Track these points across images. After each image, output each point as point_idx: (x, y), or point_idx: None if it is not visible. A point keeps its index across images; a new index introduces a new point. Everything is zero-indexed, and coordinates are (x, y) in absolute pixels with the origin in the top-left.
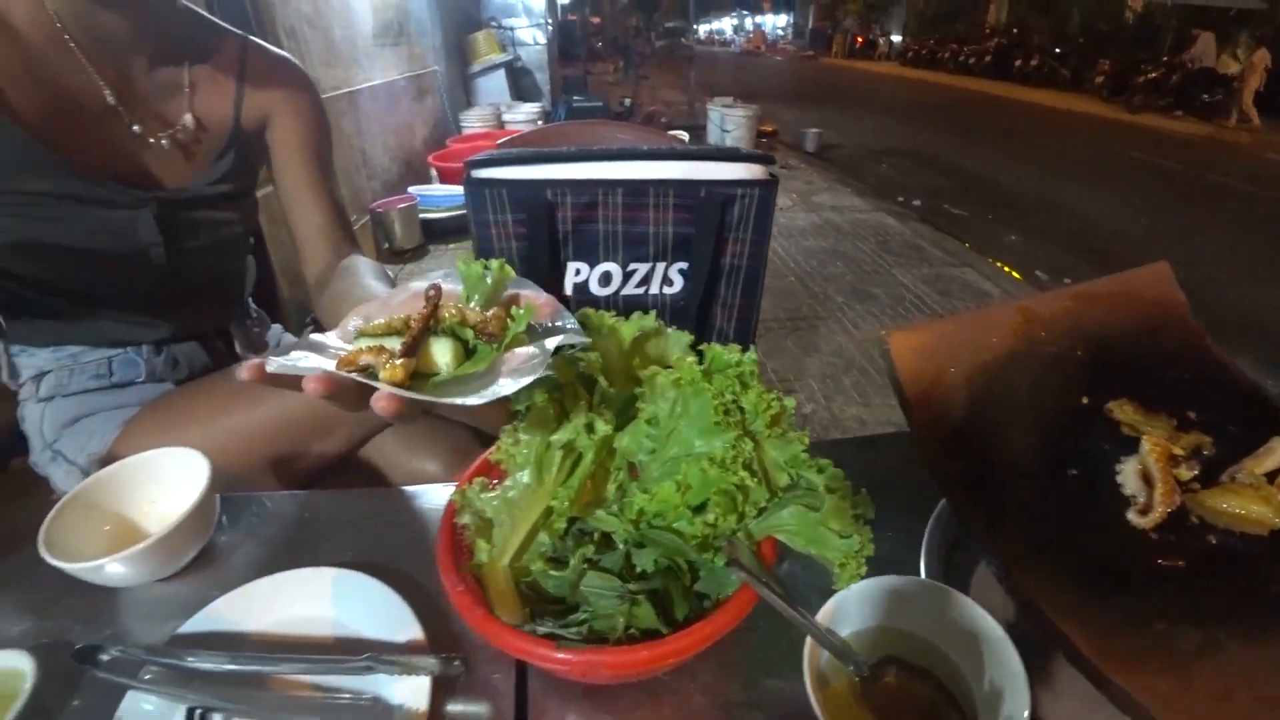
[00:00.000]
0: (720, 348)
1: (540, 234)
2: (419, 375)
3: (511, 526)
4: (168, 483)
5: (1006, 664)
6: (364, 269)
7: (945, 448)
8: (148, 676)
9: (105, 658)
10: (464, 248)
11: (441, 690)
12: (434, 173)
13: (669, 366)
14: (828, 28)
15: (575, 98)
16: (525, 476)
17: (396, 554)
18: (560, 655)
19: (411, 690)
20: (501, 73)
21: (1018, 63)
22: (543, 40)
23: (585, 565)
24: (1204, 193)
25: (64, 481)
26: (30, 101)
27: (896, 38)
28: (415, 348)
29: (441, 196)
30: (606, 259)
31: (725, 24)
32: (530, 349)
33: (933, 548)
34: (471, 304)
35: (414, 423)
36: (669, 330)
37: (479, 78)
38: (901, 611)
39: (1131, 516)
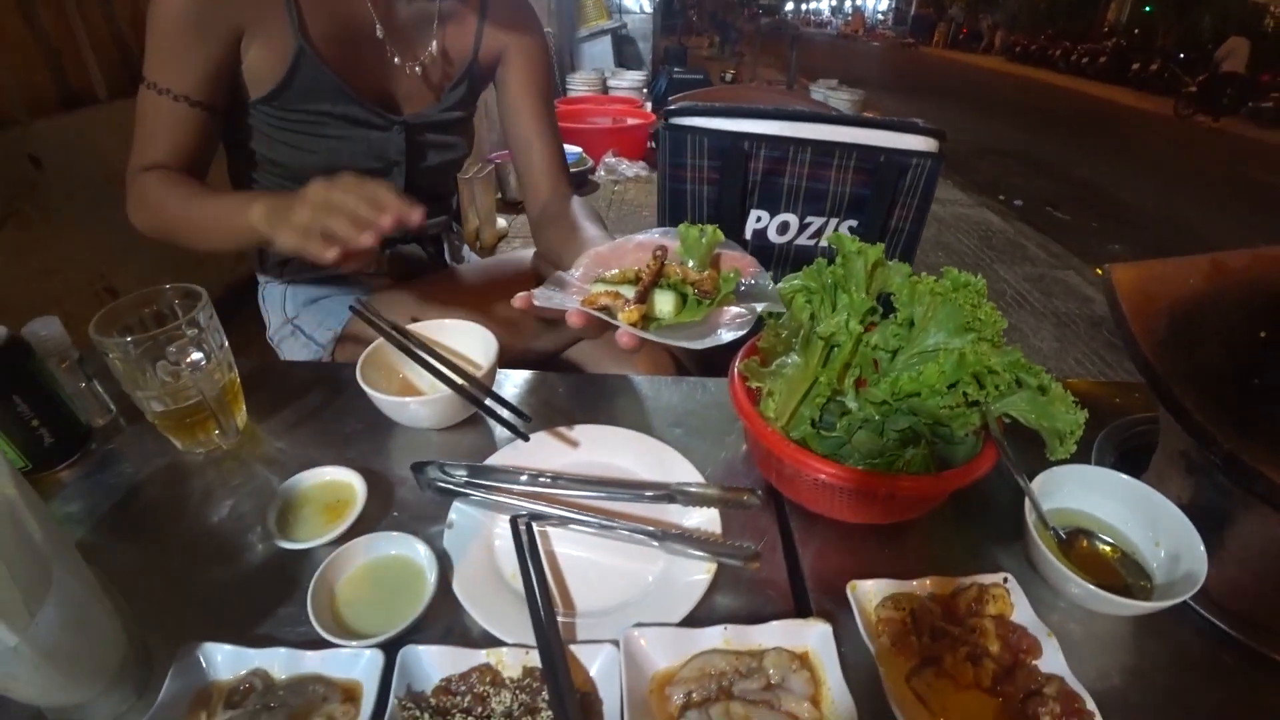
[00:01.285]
0: (957, 271)
1: (733, 181)
2: (646, 318)
3: (787, 394)
4: (448, 348)
5: (1183, 537)
6: (584, 212)
7: (1156, 352)
8: (466, 491)
9: (433, 473)
10: None
11: (728, 523)
12: None
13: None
14: (932, 15)
15: (676, 69)
16: (794, 357)
17: (646, 427)
18: (873, 478)
19: (705, 518)
20: (608, 39)
21: (1135, 66)
22: (649, 9)
23: (858, 427)
24: None
25: (298, 354)
26: (321, 30)
27: (1002, 30)
28: (645, 296)
29: None
30: (787, 210)
31: (823, 4)
32: (739, 309)
33: (1105, 455)
34: (689, 263)
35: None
36: (891, 262)
37: (586, 42)
38: (1087, 495)
39: None
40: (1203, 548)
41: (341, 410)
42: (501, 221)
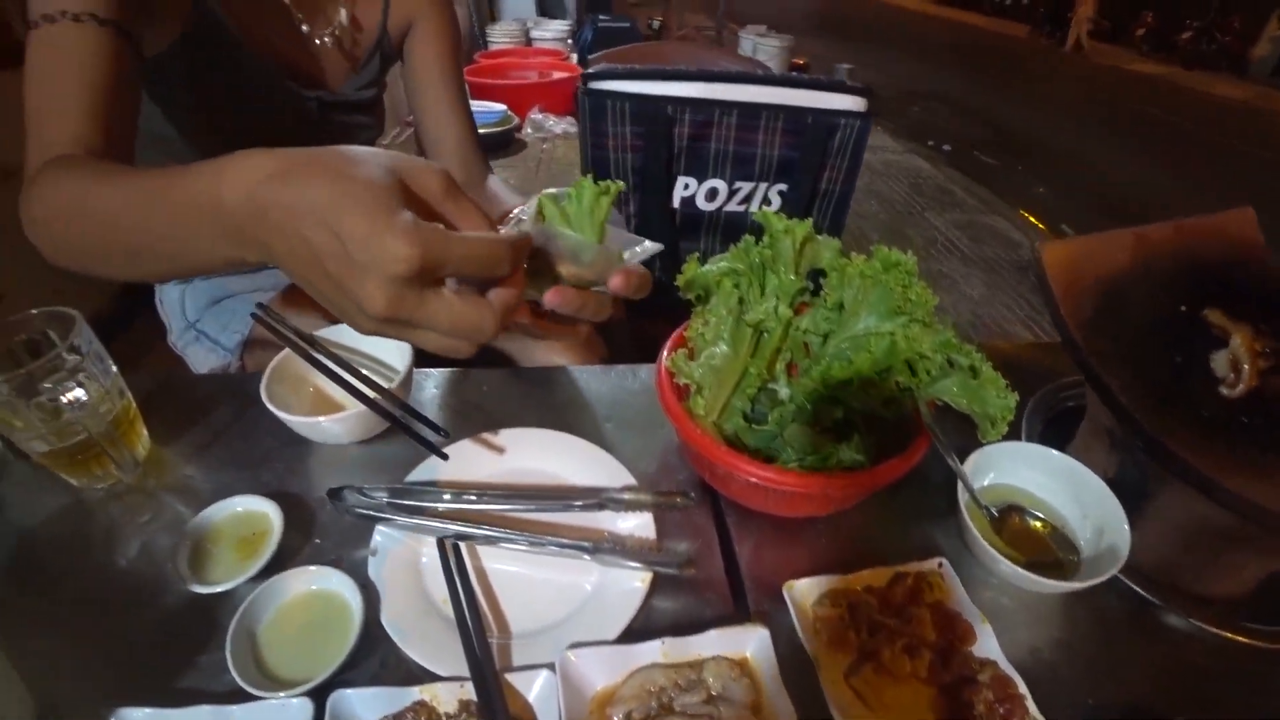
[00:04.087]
0: (886, 249)
1: (658, 147)
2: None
3: (717, 387)
4: (363, 353)
5: (1108, 511)
6: (505, 191)
7: (1082, 331)
8: (388, 515)
9: (351, 498)
10: (505, 166)
11: (662, 525)
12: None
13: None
14: None
15: (601, 16)
16: (723, 347)
17: (574, 423)
18: (808, 478)
19: (639, 522)
20: None
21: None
22: None
23: (791, 419)
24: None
25: (203, 360)
26: None
27: None
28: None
29: (480, 113)
30: (715, 176)
31: None
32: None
33: (1033, 424)
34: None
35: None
36: (820, 236)
37: None
38: (1018, 470)
39: (1224, 390)
40: (1127, 524)
41: (252, 426)
42: None
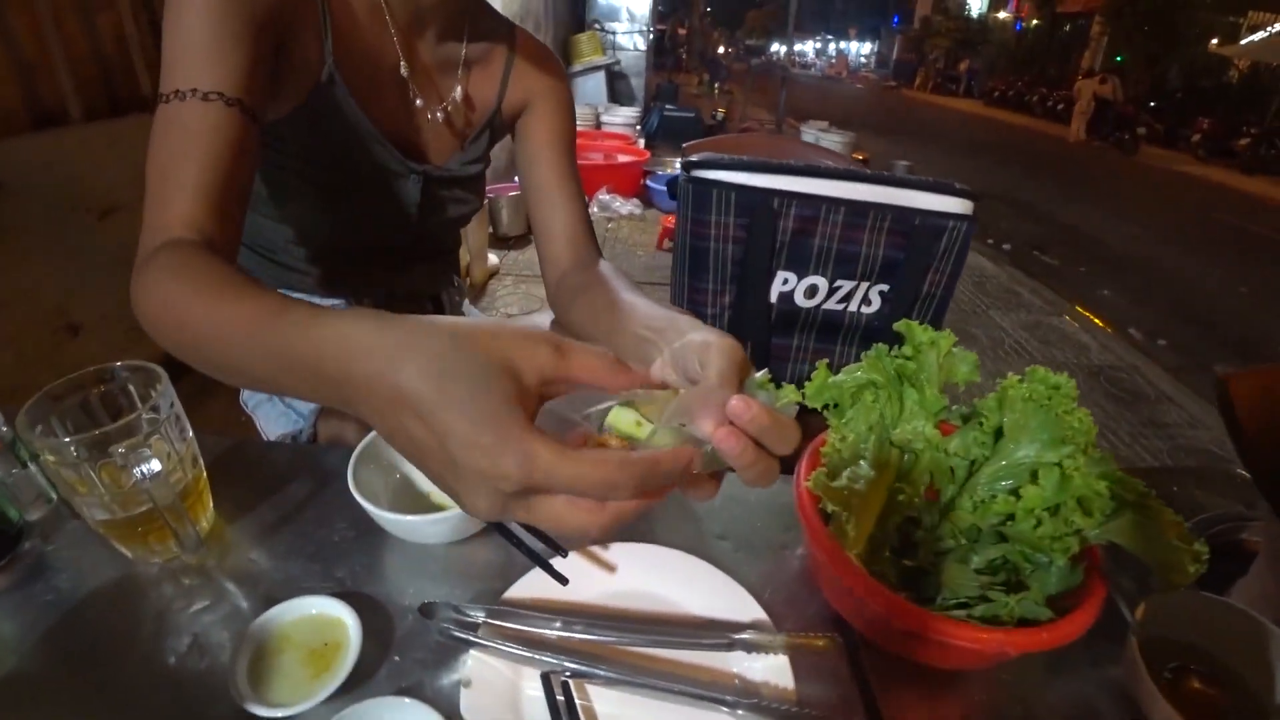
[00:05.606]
0: (1044, 370)
1: (761, 240)
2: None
3: (863, 512)
4: None
5: None
6: (622, 282)
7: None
8: (483, 638)
9: (445, 614)
10: None
11: (797, 669)
12: None
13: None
14: (914, 60)
15: (668, 106)
16: (865, 468)
17: (684, 539)
18: (985, 635)
19: (773, 666)
20: (601, 75)
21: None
22: (643, 47)
23: (948, 556)
24: None
25: (274, 423)
26: (348, 58)
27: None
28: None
29: None
30: (816, 272)
31: (808, 47)
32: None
33: None
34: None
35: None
36: (956, 350)
37: (579, 77)
38: (1189, 623)
39: None
40: None
41: (328, 509)
42: (493, 258)
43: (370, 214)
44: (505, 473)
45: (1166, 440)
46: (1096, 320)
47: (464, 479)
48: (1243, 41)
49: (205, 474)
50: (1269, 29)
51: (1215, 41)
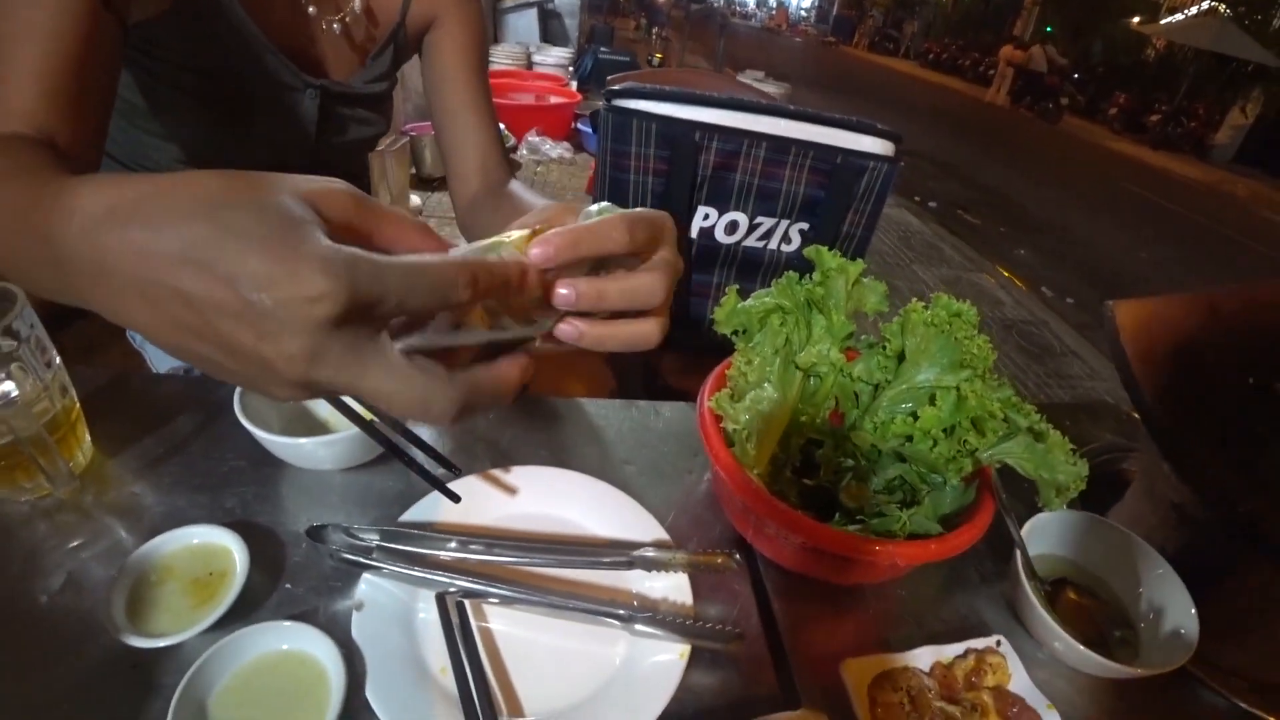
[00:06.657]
0: (947, 297)
1: (683, 173)
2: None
3: (764, 435)
4: None
5: (1170, 590)
6: (530, 194)
7: (1159, 400)
8: (379, 562)
9: (336, 538)
10: None
11: (696, 588)
12: None
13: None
14: (854, 16)
15: (602, 49)
16: (769, 391)
17: (592, 463)
18: (877, 546)
19: (673, 584)
20: (534, 12)
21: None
22: None
23: (848, 476)
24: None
25: (165, 357)
26: None
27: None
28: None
29: None
30: (737, 208)
31: None
32: None
33: None
34: None
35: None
36: (866, 280)
37: (510, 14)
38: (1069, 540)
39: None
40: (1194, 608)
41: (218, 441)
42: (415, 199)
43: (264, 132)
44: (320, 289)
45: (1069, 390)
46: (1013, 278)
47: (267, 328)
48: (1162, 21)
49: (79, 405)
50: (1186, 11)
51: (1136, 20)
